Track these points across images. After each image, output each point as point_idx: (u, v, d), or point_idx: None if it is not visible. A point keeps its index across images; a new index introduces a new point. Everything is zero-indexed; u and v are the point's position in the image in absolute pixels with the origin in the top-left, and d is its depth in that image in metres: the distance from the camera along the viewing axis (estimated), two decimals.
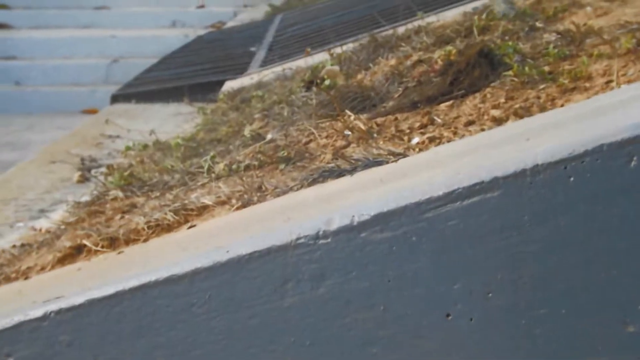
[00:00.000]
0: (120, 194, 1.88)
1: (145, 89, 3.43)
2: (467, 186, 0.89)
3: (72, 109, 6.15)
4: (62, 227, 1.79)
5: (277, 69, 3.26)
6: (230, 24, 6.08)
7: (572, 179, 0.87)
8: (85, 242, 1.59)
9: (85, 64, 6.49)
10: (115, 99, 3.40)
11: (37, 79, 6.40)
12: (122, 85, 3.58)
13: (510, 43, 1.88)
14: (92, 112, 6.14)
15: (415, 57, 2.18)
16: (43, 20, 7.32)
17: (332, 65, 2.54)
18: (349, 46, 3.07)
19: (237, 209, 1.51)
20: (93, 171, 2.37)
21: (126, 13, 7.50)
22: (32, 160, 2.56)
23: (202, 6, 7.57)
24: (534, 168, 0.87)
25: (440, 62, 1.98)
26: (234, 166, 1.79)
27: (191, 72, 3.73)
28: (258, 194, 1.54)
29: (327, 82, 2.34)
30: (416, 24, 2.87)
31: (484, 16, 2.30)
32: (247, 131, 2.06)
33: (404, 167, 1.22)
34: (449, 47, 2.03)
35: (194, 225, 1.50)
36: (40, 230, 1.87)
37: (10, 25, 7.23)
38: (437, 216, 0.92)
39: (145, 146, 2.56)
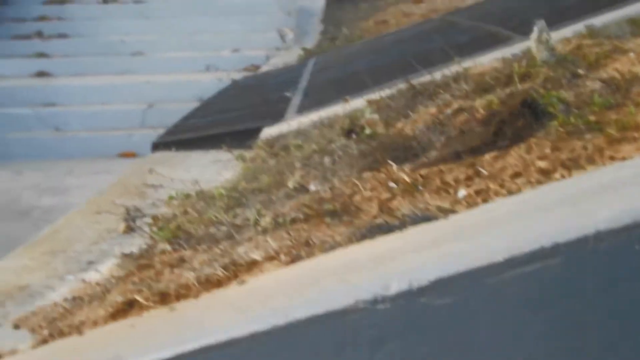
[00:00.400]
0: (168, 247, 1.90)
1: (185, 136, 3.48)
2: (527, 252, 0.90)
3: (109, 153, 6.26)
4: (113, 280, 1.82)
5: (313, 116, 3.29)
6: (264, 68, 6.16)
7: (637, 247, 0.87)
8: (136, 297, 1.61)
9: (122, 109, 6.62)
10: (156, 146, 3.45)
11: (75, 125, 6.53)
12: (162, 132, 3.64)
13: (553, 92, 1.89)
14: (129, 155, 6.24)
15: (455, 106, 2.19)
16: (81, 67, 7.48)
17: (370, 113, 2.56)
18: (385, 92, 3.10)
19: (286, 264, 1.52)
20: (138, 221, 2.40)
21: (161, 59, 7.64)
22: (78, 211, 2.60)
23: (236, 50, 7.68)
24: (596, 235, 0.88)
25: (482, 112, 1.99)
26: (280, 219, 1.81)
27: (228, 119, 3.78)
28: (306, 249, 1.56)
29: (367, 131, 2.36)
30: (453, 69, 2.89)
31: (523, 63, 2.31)
32: (290, 183, 2.08)
33: (457, 227, 1.23)
34: (490, 96, 2.04)
35: (245, 281, 1.51)
36: (90, 283, 1.90)
37: (50, 73, 7.40)
38: (497, 282, 0.92)
39: (188, 195, 2.59)
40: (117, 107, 6.66)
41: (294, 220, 1.78)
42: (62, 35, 8.15)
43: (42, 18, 8.47)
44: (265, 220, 1.82)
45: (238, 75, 6.68)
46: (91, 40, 8.06)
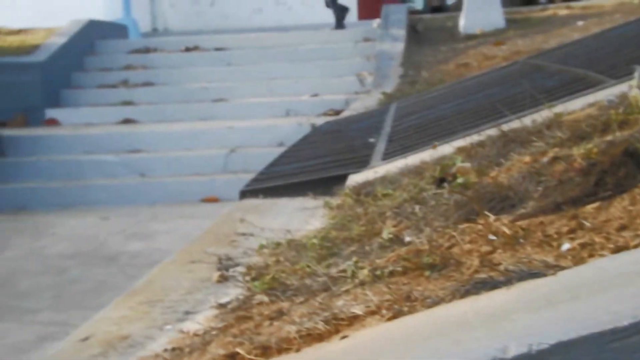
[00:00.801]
0: (265, 299, 1.92)
1: (272, 184, 3.52)
2: None
3: (193, 198, 6.38)
4: (211, 332, 1.84)
5: (400, 163, 3.29)
6: (345, 113, 6.21)
7: None
8: (238, 350, 1.62)
9: (204, 155, 6.75)
10: (244, 194, 3.50)
11: (160, 170, 6.68)
12: (245, 177, 3.70)
13: None
14: (212, 200, 6.35)
15: (551, 154, 2.16)
16: (165, 114, 7.69)
17: (462, 161, 2.54)
18: (473, 138, 3.08)
19: (388, 319, 1.51)
20: (231, 270, 2.43)
21: (242, 104, 7.80)
22: (171, 261, 2.65)
23: (315, 94, 7.77)
24: None
25: (580, 161, 1.96)
26: (378, 272, 1.81)
27: (313, 166, 3.81)
28: (407, 304, 1.55)
29: (459, 179, 2.35)
30: (543, 115, 2.86)
31: (620, 109, 2.26)
32: (384, 233, 2.07)
33: (569, 285, 1.21)
34: (588, 145, 2.00)
35: (346, 336, 1.51)
36: (189, 333, 1.93)
37: (135, 120, 7.63)
38: (622, 347, 0.90)
39: (279, 244, 2.62)
40: (200, 152, 6.80)
41: (392, 273, 1.78)
42: (147, 84, 8.41)
43: (128, 67, 8.77)
44: (363, 273, 1.82)
45: (318, 120, 6.75)
46: (175, 87, 8.29)
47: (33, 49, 8.30)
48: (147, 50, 9.23)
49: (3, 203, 6.30)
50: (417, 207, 2.35)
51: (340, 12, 10.15)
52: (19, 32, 9.07)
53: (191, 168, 6.67)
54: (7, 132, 7.10)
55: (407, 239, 2.04)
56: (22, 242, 5.33)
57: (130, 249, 5.12)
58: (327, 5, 10.50)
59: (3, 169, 6.68)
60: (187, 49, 9.19)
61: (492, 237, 1.76)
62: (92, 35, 9.26)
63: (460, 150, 2.83)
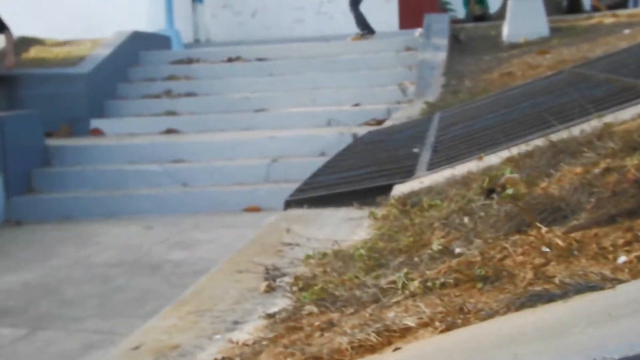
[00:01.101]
0: (315, 309, 1.91)
1: (316, 194, 3.53)
2: None
3: (235, 207, 6.42)
4: (262, 342, 1.84)
5: (445, 173, 3.27)
6: (387, 122, 6.19)
7: None
8: None
9: (246, 165, 6.78)
10: (288, 204, 3.51)
11: (202, 180, 6.73)
12: (287, 186, 3.70)
13: None
14: (254, 210, 6.37)
15: (603, 165, 2.13)
16: (207, 124, 7.75)
17: (510, 172, 2.52)
18: (520, 149, 3.05)
19: (441, 331, 1.50)
20: (278, 280, 2.44)
21: (284, 114, 7.83)
22: (219, 270, 2.67)
23: (357, 104, 7.77)
24: None
25: (634, 172, 1.93)
26: (429, 283, 1.80)
27: (357, 176, 3.80)
28: (461, 316, 1.53)
29: (508, 190, 2.32)
30: (592, 124, 2.82)
31: None
32: (434, 245, 2.06)
33: (629, 299, 1.18)
34: None
35: (399, 348, 1.50)
36: (238, 343, 1.93)
37: (178, 131, 7.70)
38: None
39: (325, 255, 2.61)
40: (242, 162, 6.84)
41: (443, 285, 1.76)
42: (190, 94, 8.49)
43: (171, 77, 8.86)
44: (414, 284, 1.81)
45: (359, 129, 6.75)
46: (217, 97, 8.35)
47: (79, 60, 8.44)
48: (189, 60, 9.32)
49: (49, 212, 6.41)
50: (465, 218, 2.33)
51: (360, 17, 10.07)
52: (65, 43, 9.23)
53: (233, 178, 6.70)
54: (53, 142, 7.22)
55: (457, 250, 2.02)
56: (68, 251, 5.40)
57: (174, 258, 5.16)
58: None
59: (49, 179, 6.79)
60: (229, 60, 9.26)
61: (545, 249, 1.74)
62: (136, 47, 9.38)
63: (507, 160, 2.80)
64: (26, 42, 9.12)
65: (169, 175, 6.79)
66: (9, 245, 5.66)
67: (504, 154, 3.06)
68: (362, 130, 6.62)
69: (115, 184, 6.71)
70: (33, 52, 8.88)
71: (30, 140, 6.85)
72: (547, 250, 1.73)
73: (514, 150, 3.00)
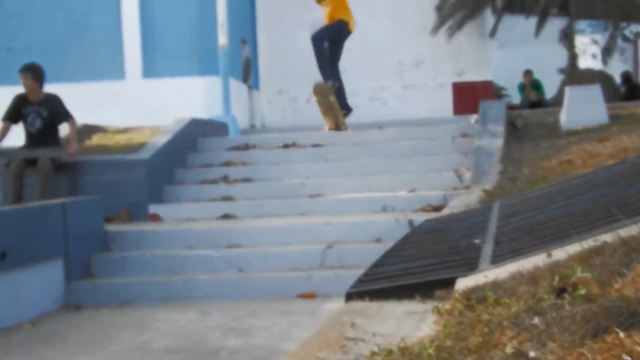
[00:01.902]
0: None
1: (377, 286, 3.50)
2: None
3: (289, 293, 6.40)
4: None
5: (510, 267, 3.23)
6: (445, 210, 6.16)
7: None
8: None
9: (301, 250, 6.79)
10: (350, 296, 3.49)
11: (258, 265, 6.75)
12: (355, 281, 3.68)
13: None
14: (309, 296, 6.34)
15: None
16: (263, 209, 7.82)
17: (581, 271, 2.47)
18: (588, 243, 3.00)
19: None
20: None
21: (339, 200, 7.86)
22: None
23: (412, 190, 7.76)
24: None
25: None
26: None
27: (418, 267, 3.77)
28: None
29: (581, 291, 2.28)
30: None
31: None
32: (508, 348, 2.02)
33: None
34: None
35: None
36: None
37: (235, 216, 7.78)
38: None
39: (391, 352, 2.58)
40: (297, 247, 6.85)
41: None
42: (246, 179, 8.60)
43: (228, 163, 9.01)
44: None
45: (415, 216, 6.73)
46: (273, 183, 8.45)
47: (139, 146, 8.66)
48: (246, 147, 9.48)
49: (108, 297, 6.47)
50: (536, 319, 2.29)
51: (342, 93, 9.84)
52: (125, 130, 9.49)
53: (288, 263, 6.71)
54: (113, 227, 7.34)
55: (532, 354, 1.98)
56: (127, 336, 5.42)
57: (230, 345, 5.14)
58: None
59: (108, 264, 6.89)
60: (285, 146, 9.39)
61: (626, 357, 1.69)
62: (195, 133, 9.60)
63: (576, 257, 2.75)
64: (89, 130, 9.41)
65: (226, 261, 6.83)
66: (68, 330, 5.71)
67: (571, 249, 3.01)
68: (418, 217, 6.60)
69: (173, 269, 6.77)
70: (95, 140, 9.14)
71: (90, 225, 6.99)
72: (629, 358, 1.68)
73: (582, 246, 2.95)
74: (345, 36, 9.73)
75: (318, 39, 9.54)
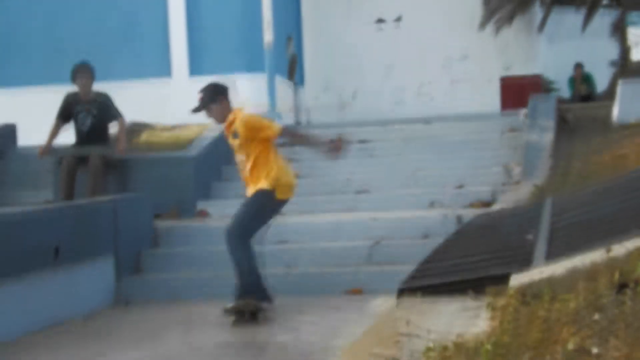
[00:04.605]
0: None
1: (429, 282, 3.47)
2: None
3: (336, 289, 6.37)
4: None
5: (566, 264, 3.16)
6: (495, 206, 6.07)
7: None
8: None
9: (348, 246, 6.76)
10: (401, 292, 3.46)
11: (305, 261, 6.72)
12: (406, 277, 3.65)
13: None
14: (356, 292, 6.30)
15: None
16: (310, 206, 7.79)
17: None
18: None
19: None
20: None
21: (386, 196, 7.80)
22: None
23: (460, 186, 7.67)
24: None
25: None
26: None
27: (470, 264, 3.72)
28: None
29: None
30: None
31: None
32: (570, 344, 1.96)
33: None
34: None
35: None
36: None
37: (282, 212, 7.75)
38: None
39: (446, 348, 2.54)
40: (344, 243, 6.82)
41: None
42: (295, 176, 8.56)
43: None
44: None
45: (464, 212, 6.65)
46: (319, 179, 8.42)
47: (187, 143, 8.71)
48: (292, 143, 9.46)
49: (157, 292, 6.52)
50: (597, 315, 2.23)
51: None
52: (173, 128, 9.55)
53: (335, 259, 6.68)
54: (161, 223, 7.40)
55: (595, 350, 1.93)
56: (176, 331, 5.46)
57: (279, 340, 5.14)
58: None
59: (157, 260, 6.94)
60: (331, 142, 9.34)
61: None
62: None
63: (635, 253, 2.68)
64: (137, 128, 9.49)
65: (273, 256, 6.81)
66: (118, 326, 5.77)
67: (630, 245, 2.94)
68: (467, 213, 6.52)
69: (221, 265, 6.77)
70: (144, 137, 9.22)
71: (140, 222, 7.05)
72: None
73: None
74: None
75: None
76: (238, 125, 5.68)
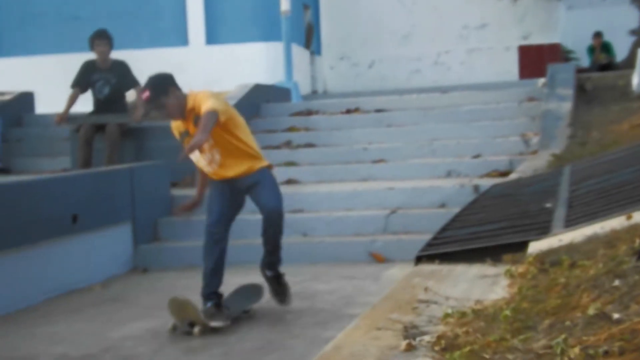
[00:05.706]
0: None
1: (447, 249, 3.46)
2: None
3: (353, 258, 6.39)
4: None
5: (586, 230, 3.15)
6: (513, 175, 6.04)
7: None
8: None
9: (365, 215, 6.76)
10: (419, 259, 3.46)
11: (321, 230, 6.74)
12: (424, 245, 3.64)
13: None
14: (377, 257, 6.30)
15: None
16: (327, 174, 7.80)
17: None
18: None
19: None
20: (418, 339, 2.38)
21: (402, 165, 7.79)
22: (355, 327, 2.63)
23: (477, 155, 7.63)
24: None
25: None
26: (591, 351, 1.70)
27: (488, 231, 3.71)
28: None
29: None
30: None
31: None
32: (591, 309, 1.96)
33: None
34: None
35: None
36: None
37: (298, 181, 7.78)
38: None
39: (464, 314, 2.54)
40: (360, 213, 6.82)
41: (607, 353, 1.67)
42: (309, 145, 8.58)
43: (291, 129, 9.00)
44: (574, 351, 1.72)
45: (481, 181, 6.63)
46: (335, 148, 8.41)
47: None
48: (309, 112, 9.46)
49: (174, 260, 6.57)
50: (617, 281, 2.22)
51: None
52: None
53: (351, 228, 6.69)
54: (178, 192, 7.42)
55: (616, 316, 1.92)
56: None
57: (294, 308, 5.16)
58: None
59: (174, 228, 6.97)
60: (348, 111, 9.33)
61: None
62: (258, 99, 9.60)
63: None
64: None
65: (289, 225, 6.80)
66: (136, 292, 5.81)
67: None
68: (484, 182, 6.49)
69: (236, 233, 6.77)
70: None
71: (157, 190, 7.08)
72: None
73: None
74: None
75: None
76: (198, 106, 4.49)
